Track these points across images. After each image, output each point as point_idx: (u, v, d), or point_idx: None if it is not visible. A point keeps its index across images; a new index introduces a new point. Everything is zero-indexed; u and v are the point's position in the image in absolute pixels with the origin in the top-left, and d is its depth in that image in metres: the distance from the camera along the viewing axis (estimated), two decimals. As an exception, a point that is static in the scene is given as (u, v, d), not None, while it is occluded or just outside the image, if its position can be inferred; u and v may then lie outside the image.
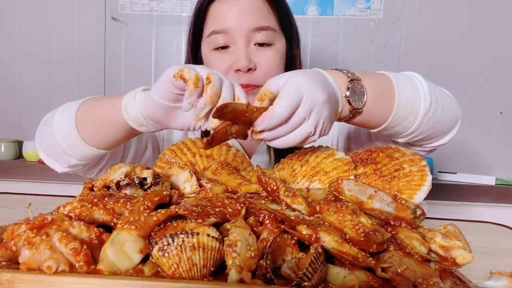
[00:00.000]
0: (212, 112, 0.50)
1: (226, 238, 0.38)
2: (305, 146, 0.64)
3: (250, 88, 0.83)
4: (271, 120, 0.53)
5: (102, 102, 0.72)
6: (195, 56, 0.92)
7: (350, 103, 0.60)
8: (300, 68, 0.94)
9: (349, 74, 0.61)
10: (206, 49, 0.87)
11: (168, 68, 0.56)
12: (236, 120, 0.53)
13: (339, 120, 0.62)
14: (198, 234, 0.37)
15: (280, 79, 0.56)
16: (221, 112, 0.50)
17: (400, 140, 0.71)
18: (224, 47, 0.84)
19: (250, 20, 0.82)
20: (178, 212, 0.40)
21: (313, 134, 0.55)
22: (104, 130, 0.70)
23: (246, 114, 0.52)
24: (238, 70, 0.82)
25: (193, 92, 0.53)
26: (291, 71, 0.58)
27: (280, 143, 0.55)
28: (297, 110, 0.53)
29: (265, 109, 0.53)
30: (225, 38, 0.83)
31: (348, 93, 0.60)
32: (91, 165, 0.77)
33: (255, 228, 0.42)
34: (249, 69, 0.82)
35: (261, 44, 0.84)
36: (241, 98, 0.55)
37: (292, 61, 0.93)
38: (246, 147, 0.93)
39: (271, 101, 0.54)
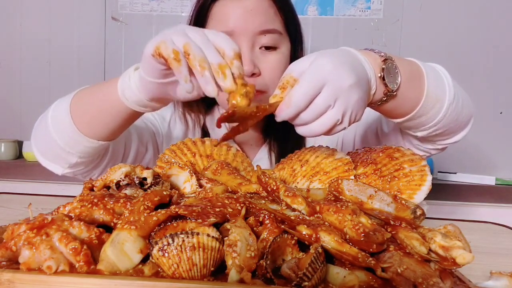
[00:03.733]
0: (218, 119, 0.48)
1: (226, 238, 0.38)
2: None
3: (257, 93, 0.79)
4: (288, 109, 0.50)
5: (96, 90, 0.68)
6: None
7: (384, 85, 0.56)
8: None
9: (382, 54, 0.57)
10: None
11: (146, 45, 0.53)
12: (248, 119, 0.51)
13: (370, 104, 0.58)
14: (198, 234, 0.37)
15: (304, 62, 0.52)
16: (229, 120, 0.49)
17: (419, 134, 0.68)
18: None
19: (255, 22, 0.79)
20: (178, 212, 0.40)
21: (341, 122, 0.51)
22: (102, 117, 0.66)
23: (258, 114, 0.50)
24: None
25: (179, 68, 0.49)
26: (315, 52, 0.54)
27: (305, 131, 0.53)
28: (317, 96, 0.50)
29: (278, 103, 0.51)
30: None
31: (382, 73, 0.56)
32: (92, 165, 0.75)
33: (255, 228, 0.42)
34: (253, 74, 0.79)
35: (266, 48, 0.80)
36: (226, 50, 0.51)
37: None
38: (247, 152, 0.92)
39: None
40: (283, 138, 0.91)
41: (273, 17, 0.81)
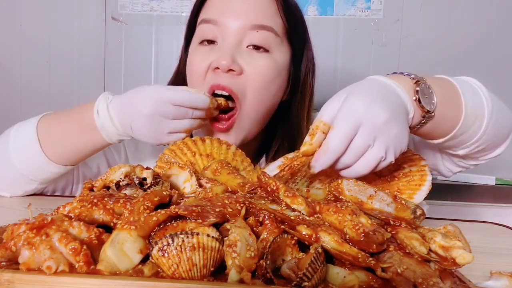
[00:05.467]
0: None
1: (226, 238, 0.38)
2: None
3: (226, 92, 0.69)
4: (326, 156, 0.49)
5: (66, 123, 0.70)
6: (186, 50, 0.81)
7: (421, 107, 0.54)
8: (310, 96, 0.81)
9: (412, 76, 0.56)
10: (194, 42, 0.75)
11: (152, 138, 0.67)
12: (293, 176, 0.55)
13: (409, 129, 0.56)
14: (198, 234, 0.37)
15: (333, 104, 0.51)
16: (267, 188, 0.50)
17: (460, 152, 0.65)
18: (212, 42, 0.72)
19: (249, 15, 0.70)
20: (178, 212, 0.40)
21: (385, 158, 0.50)
22: (77, 149, 0.70)
23: (294, 171, 0.54)
24: (217, 68, 0.69)
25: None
26: (344, 89, 0.53)
27: (349, 173, 0.51)
28: (354, 138, 0.49)
29: (309, 151, 0.50)
30: (214, 30, 0.70)
31: (417, 95, 0.54)
32: (41, 191, 0.76)
33: (255, 228, 0.42)
34: (230, 70, 0.68)
35: (256, 48, 0.70)
36: (199, 105, 0.66)
37: (296, 87, 0.79)
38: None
39: (325, 134, 0.50)
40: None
41: (272, 15, 0.72)
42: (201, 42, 0.73)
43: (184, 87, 0.68)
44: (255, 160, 0.84)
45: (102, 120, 0.66)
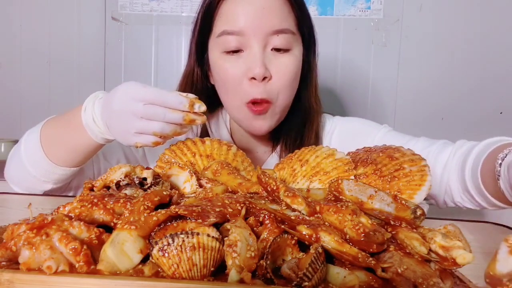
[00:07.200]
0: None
1: (226, 238, 0.38)
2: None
3: (265, 104, 0.75)
4: None
5: (61, 125, 0.72)
6: (201, 58, 0.84)
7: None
8: (316, 77, 0.86)
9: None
10: (215, 51, 0.79)
11: (122, 136, 0.64)
12: None
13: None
14: (198, 234, 0.37)
15: None
16: None
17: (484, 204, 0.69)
18: (237, 51, 0.76)
19: (268, 21, 0.74)
20: (178, 212, 0.40)
21: None
22: (72, 151, 0.71)
23: None
24: (253, 78, 0.74)
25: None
26: None
27: None
28: None
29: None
30: (238, 40, 0.75)
31: None
32: (63, 188, 0.79)
33: (255, 228, 0.42)
34: (265, 78, 0.74)
35: (278, 49, 0.76)
36: (176, 106, 0.59)
37: (308, 70, 0.85)
38: (253, 161, 0.88)
39: None
40: (293, 148, 0.85)
41: (286, 16, 0.76)
42: (226, 52, 0.77)
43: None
44: (275, 144, 0.90)
45: (87, 117, 0.66)
